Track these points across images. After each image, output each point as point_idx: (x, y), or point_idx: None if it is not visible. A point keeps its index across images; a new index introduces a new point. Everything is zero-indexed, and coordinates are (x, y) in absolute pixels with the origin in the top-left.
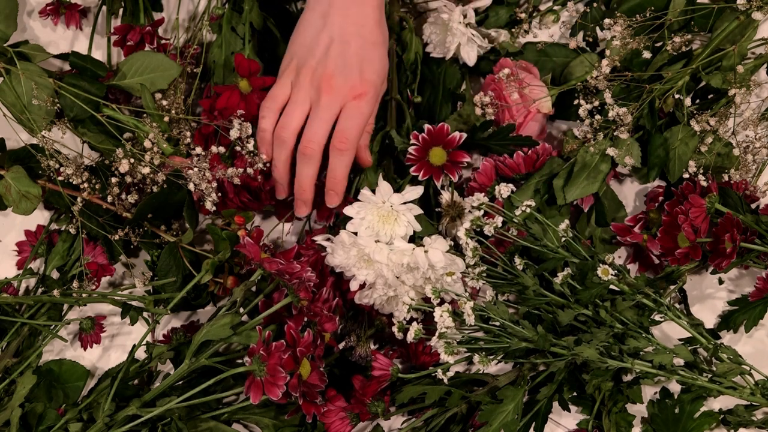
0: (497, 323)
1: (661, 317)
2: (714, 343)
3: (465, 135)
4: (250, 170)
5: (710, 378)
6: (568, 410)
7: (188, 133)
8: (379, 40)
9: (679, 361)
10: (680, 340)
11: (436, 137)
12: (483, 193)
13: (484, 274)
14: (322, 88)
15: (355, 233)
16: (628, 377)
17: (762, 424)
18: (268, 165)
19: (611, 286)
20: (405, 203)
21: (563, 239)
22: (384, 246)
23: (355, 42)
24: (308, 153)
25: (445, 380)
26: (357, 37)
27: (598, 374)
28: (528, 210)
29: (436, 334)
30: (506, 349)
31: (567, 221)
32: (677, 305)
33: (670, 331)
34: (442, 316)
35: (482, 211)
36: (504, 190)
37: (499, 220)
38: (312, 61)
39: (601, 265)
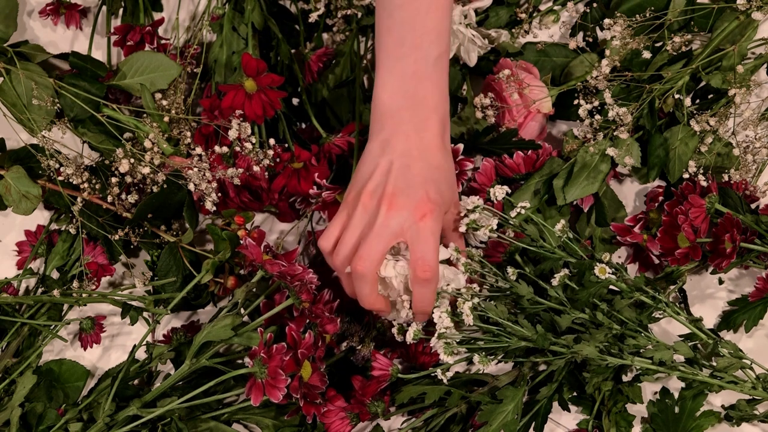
0: (496, 323)
1: (660, 314)
2: (714, 339)
3: (462, 146)
4: (256, 168)
5: (711, 373)
6: (568, 410)
7: (188, 133)
8: (443, 164)
9: (679, 358)
10: (680, 336)
11: None
12: (481, 194)
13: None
14: (382, 206)
15: None
16: (629, 377)
17: (764, 417)
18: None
19: (610, 286)
20: None
21: (560, 238)
22: (391, 259)
23: (417, 164)
24: (360, 271)
25: (445, 380)
26: (419, 161)
27: (599, 372)
28: (524, 211)
29: (436, 334)
30: (506, 348)
31: (563, 222)
32: (677, 305)
33: (672, 330)
34: (440, 317)
35: (478, 214)
36: (499, 192)
37: (494, 222)
38: (371, 185)
39: (598, 263)
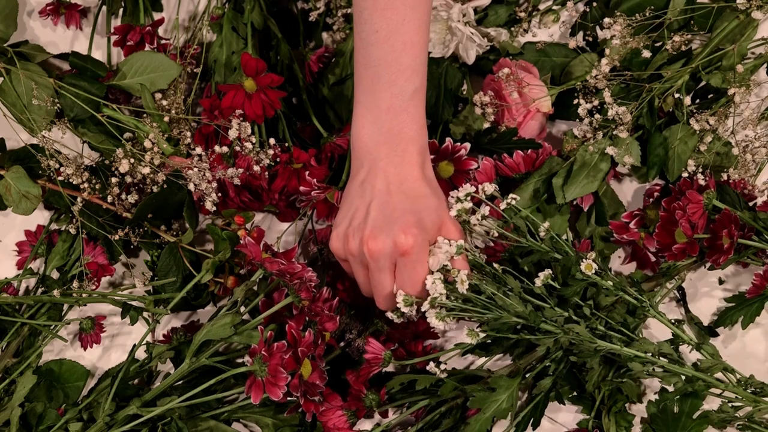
0: (488, 296)
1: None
2: (695, 342)
3: (469, 145)
4: (256, 168)
5: (694, 367)
6: (563, 403)
7: (188, 133)
8: (422, 193)
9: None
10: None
11: (442, 153)
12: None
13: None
14: (365, 252)
15: None
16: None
17: (746, 421)
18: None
19: (596, 283)
20: None
21: (544, 234)
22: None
23: (395, 198)
24: (389, 309)
25: (438, 372)
26: (397, 194)
27: (586, 356)
28: (514, 203)
29: (428, 299)
30: (497, 318)
31: (548, 222)
32: (677, 303)
33: (662, 335)
34: (434, 283)
35: (470, 204)
36: (488, 188)
37: (486, 209)
38: (351, 230)
39: (584, 260)
